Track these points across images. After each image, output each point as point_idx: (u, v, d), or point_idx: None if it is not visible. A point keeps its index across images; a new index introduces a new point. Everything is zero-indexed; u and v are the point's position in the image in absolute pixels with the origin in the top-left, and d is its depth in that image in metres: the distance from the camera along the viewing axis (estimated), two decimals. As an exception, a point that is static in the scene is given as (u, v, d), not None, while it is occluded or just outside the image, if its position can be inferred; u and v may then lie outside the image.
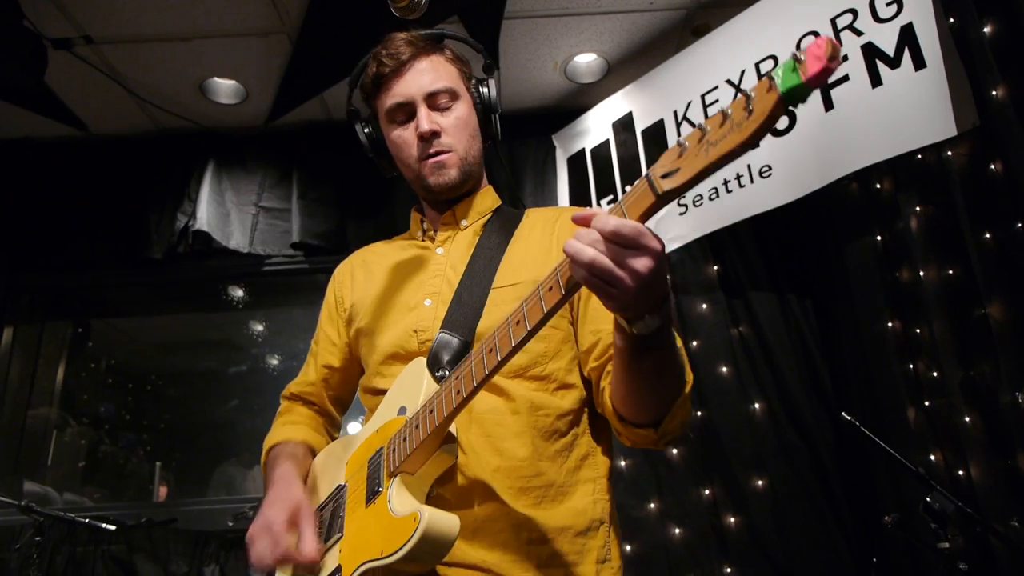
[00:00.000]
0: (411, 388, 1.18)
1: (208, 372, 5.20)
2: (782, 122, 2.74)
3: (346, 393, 1.50)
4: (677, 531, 2.98)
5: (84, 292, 3.86)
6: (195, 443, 4.83)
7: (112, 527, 2.53)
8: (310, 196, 3.55)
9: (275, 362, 4.80)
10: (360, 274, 1.46)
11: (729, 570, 2.90)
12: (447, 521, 1.01)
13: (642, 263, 0.83)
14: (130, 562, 2.89)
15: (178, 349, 5.26)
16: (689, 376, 1.09)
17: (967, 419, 2.31)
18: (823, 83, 0.72)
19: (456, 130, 1.32)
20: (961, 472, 2.32)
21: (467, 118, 1.34)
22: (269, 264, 3.55)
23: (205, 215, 3.43)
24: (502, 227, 1.37)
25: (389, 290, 1.36)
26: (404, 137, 1.34)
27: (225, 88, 3.39)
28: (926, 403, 2.50)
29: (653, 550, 2.95)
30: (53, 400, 3.73)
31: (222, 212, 3.51)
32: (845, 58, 2.55)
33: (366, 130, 1.42)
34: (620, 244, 0.83)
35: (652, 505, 3.02)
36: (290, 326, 4.76)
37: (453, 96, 1.32)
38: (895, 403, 2.62)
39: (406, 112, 1.33)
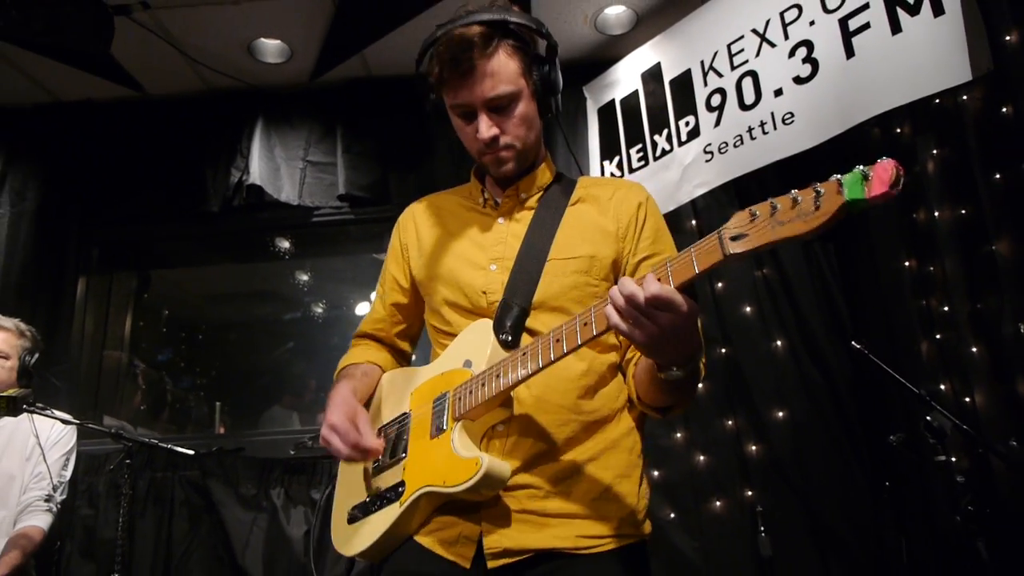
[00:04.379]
0: (477, 345, 1.32)
1: (258, 320, 5.51)
2: (804, 70, 2.85)
3: (414, 327, 1.61)
4: (702, 458, 3.20)
5: (147, 244, 4.14)
6: (245, 388, 5.17)
7: (190, 451, 2.83)
8: (354, 150, 3.74)
9: (320, 310, 5.07)
10: (424, 222, 1.55)
11: (750, 494, 3.12)
12: (501, 467, 1.21)
13: (665, 318, 1.01)
14: (204, 485, 3.21)
15: (229, 299, 5.57)
16: (700, 375, 1.24)
17: (973, 350, 2.46)
18: (882, 205, 0.83)
19: (516, 128, 1.37)
20: (967, 399, 2.48)
21: (526, 113, 1.37)
22: (317, 216, 3.77)
23: (257, 170, 3.64)
24: (557, 199, 1.45)
25: (455, 245, 1.46)
26: (466, 132, 1.39)
27: (271, 48, 3.56)
28: (937, 336, 2.64)
29: (680, 476, 3.18)
30: (123, 346, 4.05)
31: (272, 167, 3.72)
32: (867, 6, 2.62)
33: (431, 96, 1.42)
34: (655, 307, 1.00)
35: (679, 435, 3.24)
36: (335, 276, 5.02)
37: (513, 97, 1.34)
38: (910, 337, 2.77)
39: (467, 111, 1.37)
